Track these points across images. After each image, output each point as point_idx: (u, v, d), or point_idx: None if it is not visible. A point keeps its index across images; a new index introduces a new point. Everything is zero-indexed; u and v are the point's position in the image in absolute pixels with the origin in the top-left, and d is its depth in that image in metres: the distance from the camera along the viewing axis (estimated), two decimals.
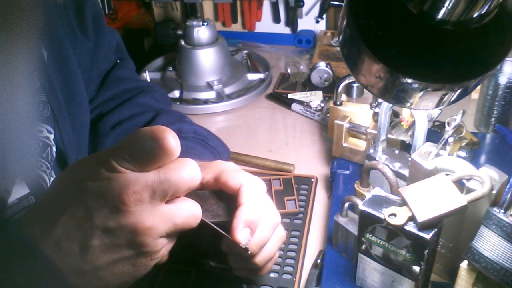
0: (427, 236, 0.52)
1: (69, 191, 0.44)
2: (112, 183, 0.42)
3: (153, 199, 0.43)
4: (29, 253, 0.40)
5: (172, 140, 0.43)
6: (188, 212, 0.46)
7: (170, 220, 0.44)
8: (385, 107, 0.73)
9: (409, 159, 0.67)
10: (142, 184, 0.42)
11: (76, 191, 0.43)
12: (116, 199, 0.42)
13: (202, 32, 1.18)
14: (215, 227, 0.49)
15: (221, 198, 0.51)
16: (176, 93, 1.18)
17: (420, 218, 0.52)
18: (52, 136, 0.62)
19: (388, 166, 0.69)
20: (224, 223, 0.50)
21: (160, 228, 0.43)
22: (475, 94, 0.97)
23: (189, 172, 0.44)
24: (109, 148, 0.44)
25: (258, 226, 0.51)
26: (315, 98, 1.13)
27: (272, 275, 0.67)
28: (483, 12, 0.33)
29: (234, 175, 0.51)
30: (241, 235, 0.48)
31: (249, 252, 0.50)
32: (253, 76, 1.24)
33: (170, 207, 0.45)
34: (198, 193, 0.50)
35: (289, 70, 1.26)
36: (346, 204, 0.65)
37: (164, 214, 0.44)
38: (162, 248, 0.45)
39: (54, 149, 0.62)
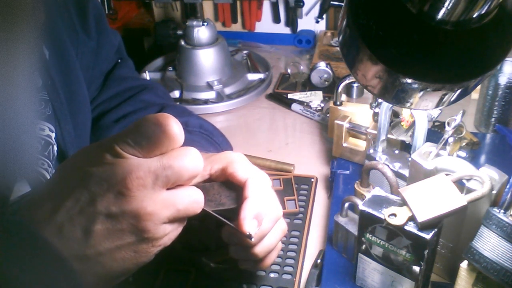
0: (427, 236, 0.52)
1: (73, 177, 0.44)
2: (116, 168, 0.42)
3: (155, 185, 0.43)
4: (29, 240, 0.41)
5: (175, 126, 0.43)
6: (190, 198, 0.46)
7: (172, 206, 0.44)
8: (385, 107, 0.73)
9: (409, 159, 0.67)
10: (145, 169, 0.43)
11: (80, 177, 0.43)
12: (120, 184, 0.42)
13: (202, 32, 1.18)
14: (216, 215, 0.49)
15: (225, 188, 0.52)
16: (176, 93, 1.18)
17: (420, 218, 0.52)
18: (53, 135, 0.62)
19: (388, 166, 0.69)
20: (227, 212, 0.50)
21: (161, 214, 0.44)
22: (475, 94, 0.97)
23: (191, 159, 0.45)
24: (113, 135, 0.45)
25: None
26: (315, 98, 1.13)
27: (272, 275, 0.67)
28: (483, 12, 0.33)
29: (242, 167, 0.52)
30: (249, 226, 0.49)
31: (252, 239, 0.51)
32: (253, 76, 1.24)
33: (171, 193, 0.45)
34: (200, 185, 0.50)
35: (289, 70, 1.26)
36: (346, 204, 0.65)
37: (166, 200, 0.44)
38: (164, 236, 0.45)
39: (55, 147, 0.62)
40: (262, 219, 0.51)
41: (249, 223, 0.49)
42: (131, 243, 0.44)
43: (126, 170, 0.42)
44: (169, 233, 0.46)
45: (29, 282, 0.39)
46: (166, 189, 0.45)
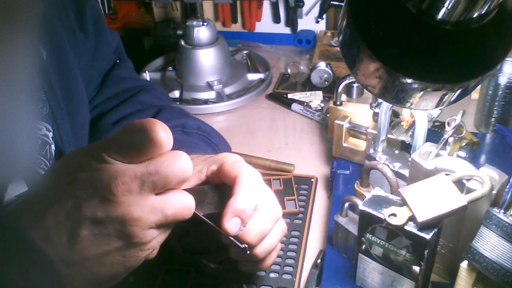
0: (427, 236, 0.52)
1: (60, 182, 0.44)
2: (102, 174, 0.42)
3: (142, 190, 0.43)
4: (19, 243, 0.41)
5: (161, 132, 0.43)
6: (179, 204, 0.45)
7: (160, 211, 0.44)
8: (385, 107, 0.73)
9: (409, 159, 0.67)
10: (131, 175, 0.42)
11: (66, 182, 0.43)
12: (105, 189, 0.42)
13: (202, 32, 1.18)
14: (207, 220, 0.48)
15: (221, 191, 0.51)
16: (176, 93, 1.18)
17: (420, 218, 0.52)
18: (50, 134, 0.62)
19: (388, 166, 0.69)
20: (218, 215, 0.50)
21: (149, 219, 0.43)
22: (475, 94, 0.97)
23: (180, 164, 0.44)
24: (100, 141, 0.44)
25: (258, 218, 0.51)
26: (315, 98, 1.13)
27: (272, 275, 0.67)
28: (483, 12, 0.33)
29: (232, 166, 0.51)
30: (230, 224, 0.48)
31: (248, 252, 0.50)
32: (253, 76, 1.24)
33: (160, 198, 0.44)
34: (198, 189, 0.50)
35: (289, 70, 1.26)
36: (346, 204, 0.65)
37: (154, 205, 0.44)
38: (152, 240, 0.45)
39: (53, 147, 0.62)
40: (247, 216, 0.50)
41: (229, 221, 0.48)
42: (119, 248, 0.44)
43: (111, 175, 0.42)
44: (157, 237, 0.46)
45: (17, 285, 0.39)
46: (156, 194, 0.44)
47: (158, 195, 0.45)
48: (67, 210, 0.42)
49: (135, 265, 0.46)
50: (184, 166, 0.44)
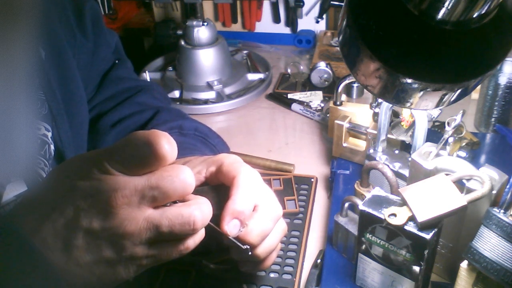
0: (427, 236, 0.52)
1: (61, 189, 0.44)
2: (102, 185, 0.42)
3: (141, 204, 0.43)
4: (20, 246, 0.41)
5: (166, 145, 0.43)
6: (177, 220, 0.44)
7: (154, 228, 0.43)
8: (385, 107, 0.73)
9: (409, 159, 0.67)
10: (131, 188, 0.42)
11: (67, 189, 0.43)
12: (105, 201, 0.42)
13: (202, 32, 1.18)
14: (208, 222, 0.48)
15: (220, 192, 0.51)
16: (176, 93, 1.18)
17: (420, 218, 0.52)
18: (50, 134, 0.62)
19: (388, 166, 0.69)
20: (218, 216, 0.49)
21: (142, 235, 0.43)
22: (475, 94, 0.97)
23: (181, 180, 0.44)
24: (103, 149, 0.44)
25: (259, 218, 0.51)
26: (315, 98, 1.13)
27: (272, 275, 0.67)
28: (483, 12, 0.33)
29: (231, 167, 0.51)
30: (229, 226, 0.48)
31: (250, 253, 0.50)
32: (253, 76, 1.24)
33: (158, 213, 0.44)
34: (197, 190, 0.50)
35: (289, 70, 1.26)
36: (346, 204, 0.65)
37: (149, 220, 0.43)
38: (145, 257, 0.45)
39: (52, 147, 0.62)
40: (246, 216, 0.49)
41: (228, 223, 0.48)
42: (109, 260, 0.43)
43: (112, 187, 0.42)
44: (152, 256, 0.45)
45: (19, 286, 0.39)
46: (157, 207, 0.44)
47: (157, 209, 0.44)
48: (65, 219, 0.42)
49: (124, 279, 0.45)
50: (186, 181, 0.44)
